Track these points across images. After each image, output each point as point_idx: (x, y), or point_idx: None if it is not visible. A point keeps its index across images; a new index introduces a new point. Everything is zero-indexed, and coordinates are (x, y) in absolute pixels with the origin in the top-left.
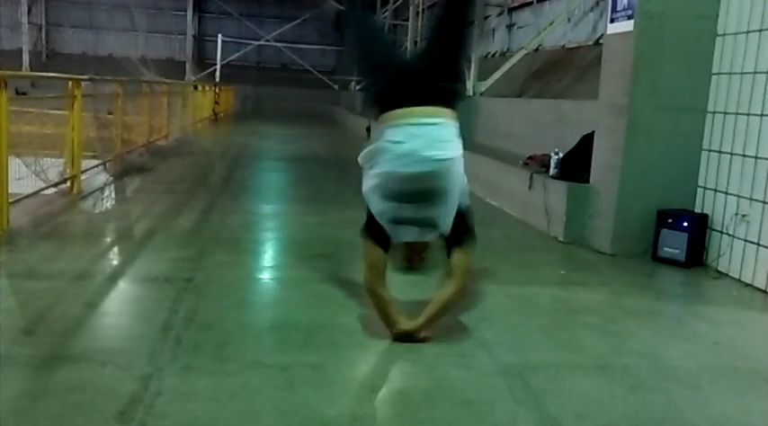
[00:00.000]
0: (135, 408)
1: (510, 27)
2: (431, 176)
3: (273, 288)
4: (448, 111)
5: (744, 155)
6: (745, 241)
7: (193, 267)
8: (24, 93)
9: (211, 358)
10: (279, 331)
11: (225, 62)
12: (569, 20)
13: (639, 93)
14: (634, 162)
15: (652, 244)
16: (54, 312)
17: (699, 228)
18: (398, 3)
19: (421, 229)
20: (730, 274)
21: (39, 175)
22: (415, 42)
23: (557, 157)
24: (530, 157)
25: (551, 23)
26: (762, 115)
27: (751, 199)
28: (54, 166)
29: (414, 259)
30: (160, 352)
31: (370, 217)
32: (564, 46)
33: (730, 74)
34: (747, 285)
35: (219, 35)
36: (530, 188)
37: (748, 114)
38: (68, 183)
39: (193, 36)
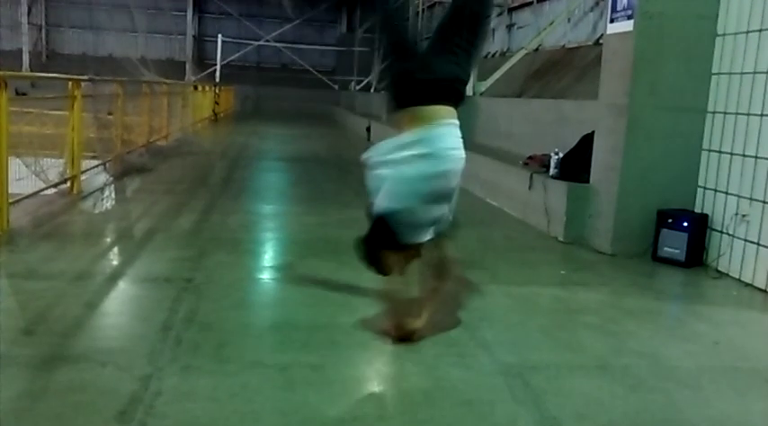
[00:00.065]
0: (135, 408)
1: (510, 27)
2: (454, 173)
3: (273, 288)
4: (456, 112)
5: (744, 155)
6: (746, 241)
7: (193, 267)
8: (24, 94)
9: (211, 358)
10: (279, 331)
11: (225, 62)
12: (569, 20)
13: (639, 92)
14: (634, 162)
15: (652, 244)
16: (54, 312)
17: (699, 228)
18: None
19: (433, 228)
20: (730, 274)
21: (39, 176)
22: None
23: (557, 157)
24: (530, 157)
25: (551, 23)
26: (762, 115)
27: (751, 198)
28: (54, 167)
29: (406, 262)
30: (160, 352)
31: (376, 227)
32: (564, 46)
33: (730, 74)
34: (747, 285)
35: (219, 35)
36: (530, 188)
37: (748, 114)
38: (68, 184)
39: (193, 36)
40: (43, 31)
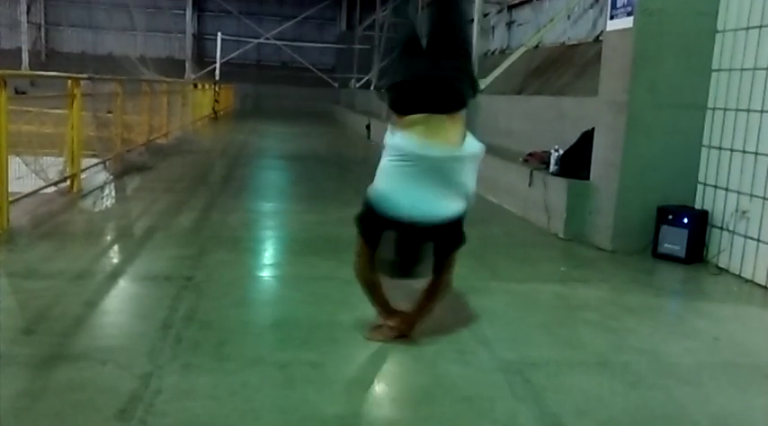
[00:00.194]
0: (135, 406)
1: (510, 24)
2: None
3: (273, 286)
4: (460, 118)
5: (744, 152)
6: (746, 237)
7: (193, 265)
8: (24, 93)
9: (211, 356)
10: (279, 329)
11: (224, 60)
12: (569, 17)
13: (639, 89)
14: (634, 158)
15: (652, 241)
16: (54, 311)
17: (699, 225)
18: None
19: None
20: (730, 270)
21: (38, 174)
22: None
23: (557, 154)
24: (530, 154)
25: (551, 20)
26: (762, 111)
27: (751, 195)
28: (54, 165)
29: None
30: (160, 351)
31: (372, 224)
32: (564, 43)
33: (730, 70)
34: (747, 281)
35: (219, 33)
36: (530, 185)
37: (748, 110)
38: (68, 182)
39: (193, 34)
40: (42, 29)
